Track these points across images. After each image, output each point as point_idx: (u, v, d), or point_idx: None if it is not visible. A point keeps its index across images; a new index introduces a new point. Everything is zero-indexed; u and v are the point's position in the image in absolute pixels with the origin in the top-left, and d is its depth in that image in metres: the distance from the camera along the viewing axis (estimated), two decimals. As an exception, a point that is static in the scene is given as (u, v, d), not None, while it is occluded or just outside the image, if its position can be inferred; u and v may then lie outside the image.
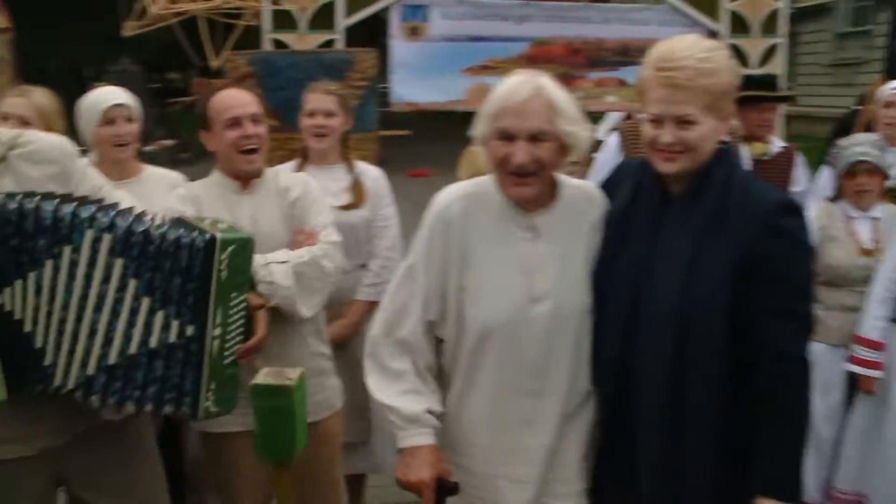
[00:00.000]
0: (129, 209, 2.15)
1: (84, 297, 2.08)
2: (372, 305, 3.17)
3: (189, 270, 2.12)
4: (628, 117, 7.23)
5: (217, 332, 2.18)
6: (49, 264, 2.07)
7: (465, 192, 2.19)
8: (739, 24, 6.03)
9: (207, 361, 2.18)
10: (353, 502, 3.55)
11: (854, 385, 3.24)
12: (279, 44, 5.56)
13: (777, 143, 3.94)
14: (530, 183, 2.04)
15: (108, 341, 2.11)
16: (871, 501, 3.20)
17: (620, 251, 2.07)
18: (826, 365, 3.25)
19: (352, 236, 3.14)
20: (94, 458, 2.33)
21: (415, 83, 5.72)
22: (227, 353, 2.22)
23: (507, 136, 2.00)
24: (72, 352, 2.11)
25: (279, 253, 2.63)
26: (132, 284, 2.10)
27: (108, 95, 2.98)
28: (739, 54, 5.99)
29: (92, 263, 2.07)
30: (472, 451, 2.18)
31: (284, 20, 5.53)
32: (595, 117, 6.11)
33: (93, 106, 2.95)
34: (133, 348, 2.12)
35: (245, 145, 2.62)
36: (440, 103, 5.98)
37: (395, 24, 5.66)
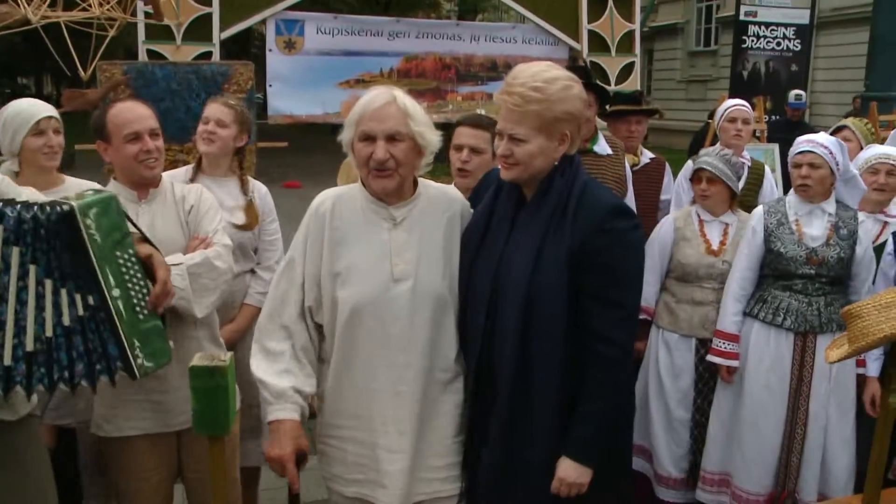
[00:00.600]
0: (12, 199, 2.16)
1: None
2: (260, 311, 3.30)
3: (71, 243, 2.15)
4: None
5: (116, 292, 2.21)
6: None
7: (336, 193, 2.45)
8: (598, 43, 6.44)
9: (120, 322, 2.20)
10: (247, 494, 3.65)
11: (709, 372, 3.52)
12: (154, 54, 5.53)
13: (647, 155, 4.24)
14: (390, 176, 2.29)
15: (20, 330, 2.11)
16: (734, 480, 3.51)
17: (482, 245, 2.35)
18: (677, 352, 3.57)
19: (240, 247, 3.25)
20: None
21: (291, 96, 5.81)
22: (139, 309, 2.25)
23: (369, 138, 2.26)
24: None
25: (173, 257, 2.72)
26: (32, 270, 2.10)
27: (38, 107, 3.01)
28: (600, 71, 6.40)
29: None
30: (355, 423, 2.39)
31: (160, 30, 5.50)
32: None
33: (23, 116, 2.98)
34: (49, 331, 2.13)
35: (145, 159, 2.71)
36: (317, 116, 6.09)
37: (271, 38, 5.73)
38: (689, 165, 3.71)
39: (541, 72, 2.24)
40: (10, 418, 2.33)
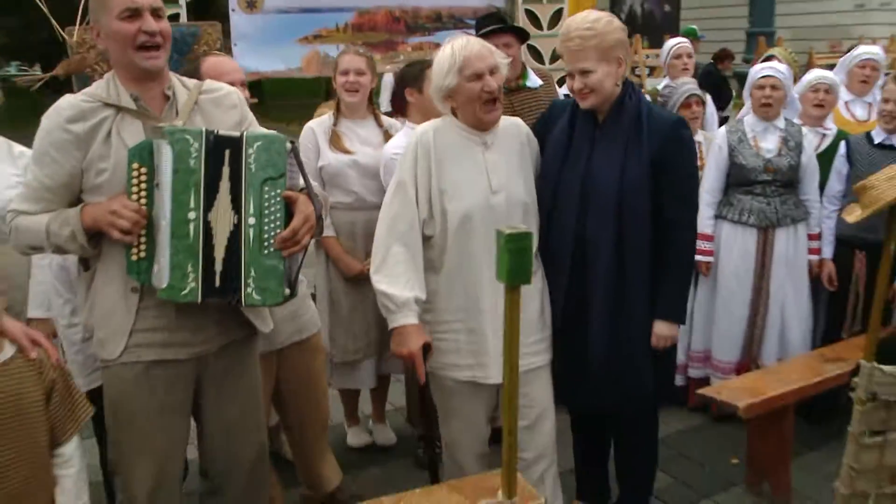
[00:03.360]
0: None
1: (226, 206, 2.36)
2: None
3: (235, 165, 2.37)
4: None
5: (252, 220, 2.36)
6: (220, 184, 2.36)
7: (433, 125, 2.98)
8: (529, -10, 6.98)
9: (245, 248, 2.36)
10: (377, 402, 4.38)
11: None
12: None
13: None
14: (498, 107, 2.88)
15: (222, 239, 2.37)
16: (712, 353, 4.29)
17: (566, 161, 2.94)
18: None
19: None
20: (225, 366, 2.66)
21: (256, 53, 6.07)
22: (265, 244, 2.37)
23: (479, 76, 2.80)
24: (221, 255, 2.37)
25: None
26: (229, 187, 2.37)
27: None
28: (532, 17, 6.96)
29: (226, 175, 2.36)
30: (465, 315, 2.92)
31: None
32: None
33: None
34: (225, 240, 2.37)
35: None
36: (281, 71, 6.36)
37: (234, -2, 5.98)
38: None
39: (586, 16, 2.83)
40: (265, 330, 2.71)
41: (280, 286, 2.41)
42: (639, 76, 9.56)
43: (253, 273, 2.36)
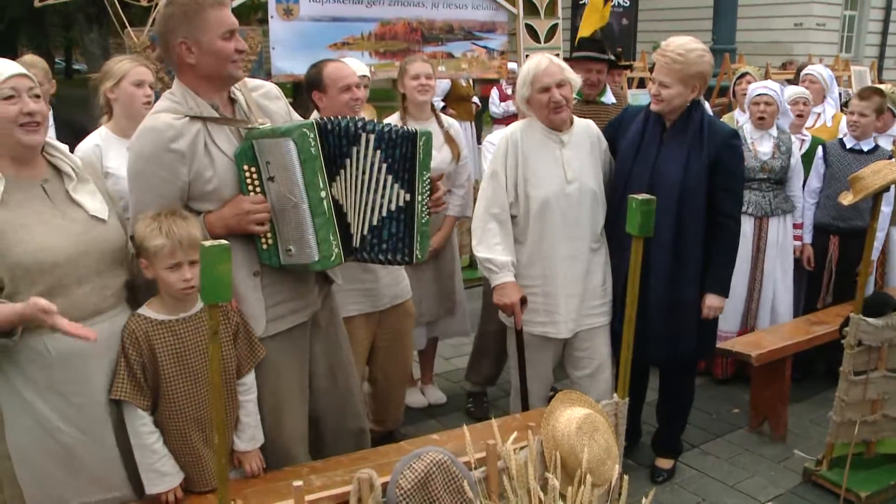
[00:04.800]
0: (371, 120, 2.79)
1: (366, 181, 2.71)
2: (457, 220, 4.43)
3: (407, 154, 2.74)
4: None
5: (420, 197, 2.79)
6: (347, 161, 2.67)
7: (519, 126, 3.62)
8: (531, 8, 7.72)
9: (418, 219, 2.78)
10: (426, 365, 4.95)
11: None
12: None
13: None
14: (564, 111, 3.50)
15: (372, 210, 2.73)
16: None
17: (636, 158, 3.61)
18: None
19: (447, 175, 4.26)
20: (327, 318, 3.04)
21: (291, 57, 6.65)
22: (423, 213, 2.82)
23: (546, 89, 3.44)
24: (362, 221, 2.74)
25: None
26: (384, 168, 2.71)
27: None
28: (531, 31, 7.72)
29: (366, 156, 2.70)
30: (542, 281, 3.58)
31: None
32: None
33: None
34: (384, 212, 2.74)
35: (353, 105, 3.59)
36: (314, 74, 6.96)
37: (272, 6, 6.55)
38: None
39: (685, 43, 3.47)
40: (339, 281, 3.10)
41: (429, 244, 2.95)
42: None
43: (418, 237, 2.85)
